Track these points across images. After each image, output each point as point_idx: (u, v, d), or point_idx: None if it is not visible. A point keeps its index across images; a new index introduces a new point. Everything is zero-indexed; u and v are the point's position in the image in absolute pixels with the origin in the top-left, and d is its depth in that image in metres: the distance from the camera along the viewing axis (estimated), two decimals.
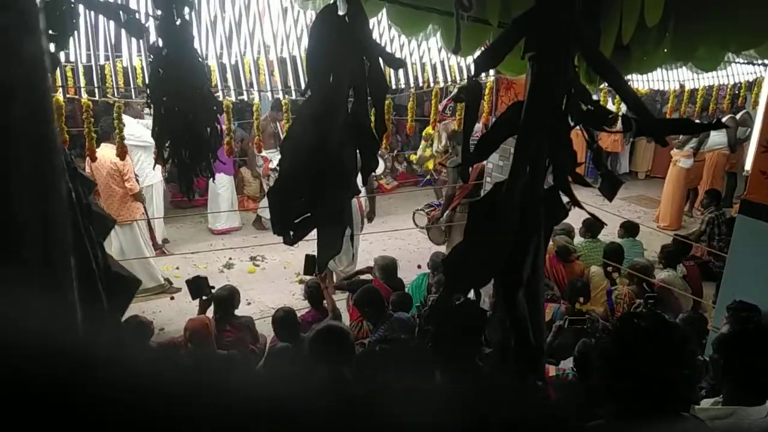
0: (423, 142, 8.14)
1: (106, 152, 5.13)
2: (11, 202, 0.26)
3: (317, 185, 1.29)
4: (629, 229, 6.47)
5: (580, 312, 4.75)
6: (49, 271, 0.28)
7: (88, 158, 4.41)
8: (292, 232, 1.30)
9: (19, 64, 0.27)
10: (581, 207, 1.05)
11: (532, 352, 1.10)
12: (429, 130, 7.75)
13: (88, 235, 0.76)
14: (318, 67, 1.24)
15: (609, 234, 6.86)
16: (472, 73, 1.06)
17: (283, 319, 4.19)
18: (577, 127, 1.19)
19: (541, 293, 1.13)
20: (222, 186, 7.32)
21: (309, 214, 1.31)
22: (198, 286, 4.22)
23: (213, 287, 4.31)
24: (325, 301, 4.84)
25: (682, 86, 6.30)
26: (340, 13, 1.25)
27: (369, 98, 1.30)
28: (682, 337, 1.55)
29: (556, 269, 5.72)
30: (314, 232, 1.38)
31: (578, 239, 6.24)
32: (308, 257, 4.58)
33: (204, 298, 4.28)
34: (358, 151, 1.34)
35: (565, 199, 1.15)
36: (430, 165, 7.91)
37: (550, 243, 6.00)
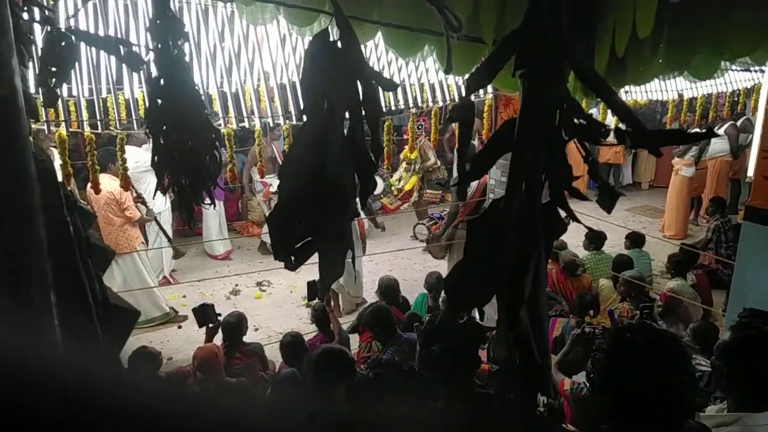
0: (404, 164, 7.94)
1: (103, 182, 5.11)
2: None
3: (317, 209, 1.29)
4: (635, 240, 6.45)
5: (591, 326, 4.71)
6: (27, 309, 0.28)
7: (90, 189, 4.43)
8: (293, 257, 1.30)
9: None
10: (578, 221, 1.05)
11: (537, 370, 1.09)
12: (407, 153, 7.68)
13: (85, 267, 0.77)
14: (313, 92, 1.25)
15: (615, 246, 6.84)
16: (464, 92, 1.07)
17: (290, 344, 4.17)
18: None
19: (543, 310, 1.13)
20: (211, 212, 7.35)
21: (310, 239, 1.31)
22: (204, 314, 4.22)
23: (220, 314, 4.30)
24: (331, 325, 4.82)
25: (680, 95, 6.32)
26: (333, 38, 1.27)
27: (365, 121, 1.31)
28: (676, 344, 1.54)
29: (564, 284, 5.70)
30: (316, 256, 1.38)
31: (583, 252, 6.22)
32: (310, 284, 4.57)
33: (211, 325, 4.27)
34: (356, 173, 1.34)
35: (565, 213, 1.15)
36: (413, 182, 7.88)
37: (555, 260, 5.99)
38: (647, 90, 6.05)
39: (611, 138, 1.10)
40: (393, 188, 7.89)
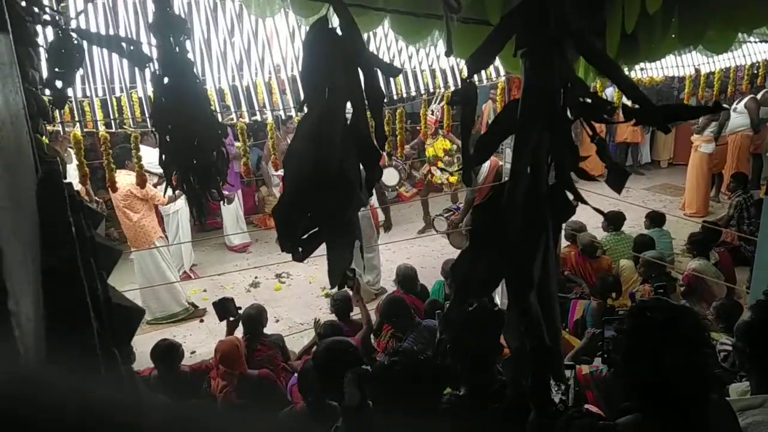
0: (440, 162, 7.69)
1: (121, 179, 5.15)
2: None
3: (322, 199, 1.28)
4: (655, 219, 6.35)
5: (612, 309, 4.67)
6: None
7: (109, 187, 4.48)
8: (300, 248, 1.30)
9: None
10: (585, 203, 1.03)
11: (548, 354, 1.07)
12: (447, 144, 7.43)
13: (87, 267, 0.77)
14: (313, 81, 1.24)
15: (635, 226, 6.75)
16: (465, 74, 1.05)
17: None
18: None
19: (554, 294, 1.11)
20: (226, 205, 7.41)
21: (316, 229, 1.31)
22: (224, 307, 4.25)
23: (239, 308, 4.33)
24: (352, 313, 4.83)
25: (697, 71, 6.19)
26: (332, 25, 1.25)
27: (367, 108, 1.29)
28: (692, 318, 1.53)
29: (583, 266, 5.65)
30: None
31: (602, 234, 6.15)
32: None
33: (231, 319, 4.30)
34: (360, 162, 1.33)
35: (573, 195, 1.13)
36: (454, 179, 7.65)
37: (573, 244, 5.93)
38: (663, 66, 5.93)
39: (620, 116, 1.07)
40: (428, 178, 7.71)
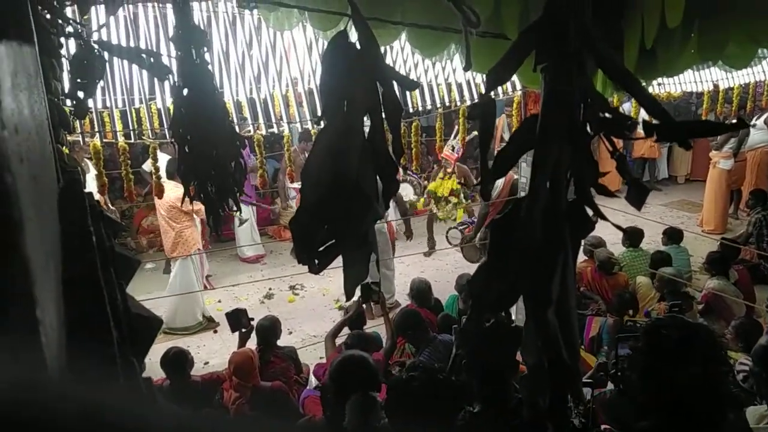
0: (454, 198, 7.50)
1: (169, 190, 5.24)
2: None
3: (339, 212, 1.28)
4: (672, 235, 6.28)
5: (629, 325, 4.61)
6: (5, 329, 0.27)
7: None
8: (316, 261, 1.29)
9: None
10: (605, 218, 1.02)
11: (566, 372, 1.05)
12: (454, 185, 7.20)
13: (106, 276, 0.77)
14: (332, 94, 1.24)
15: (652, 242, 6.68)
16: (484, 89, 1.05)
17: (357, 343, 4.09)
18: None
19: (572, 311, 1.09)
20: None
21: (332, 242, 1.30)
22: (237, 319, 4.25)
23: (252, 319, 4.32)
24: (365, 327, 4.80)
25: (716, 86, 6.14)
26: (351, 40, 1.26)
27: (385, 122, 1.30)
28: (708, 335, 1.51)
29: (599, 283, 5.59)
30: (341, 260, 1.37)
31: (619, 250, 6.09)
32: (363, 286, 4.49)
33: (243, 330, 4.30)
34: (377, 175, 1.33)
35: (593, 211, 1.12)
36: (460, 215, 7.45)
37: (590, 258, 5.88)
38: (681, 82, 5.89)
39: (639, 132, 1.06)
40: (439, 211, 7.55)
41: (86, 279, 0.72)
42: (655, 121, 1.02)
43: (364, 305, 4.55)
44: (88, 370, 0.51)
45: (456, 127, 5.94)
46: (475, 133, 6.35)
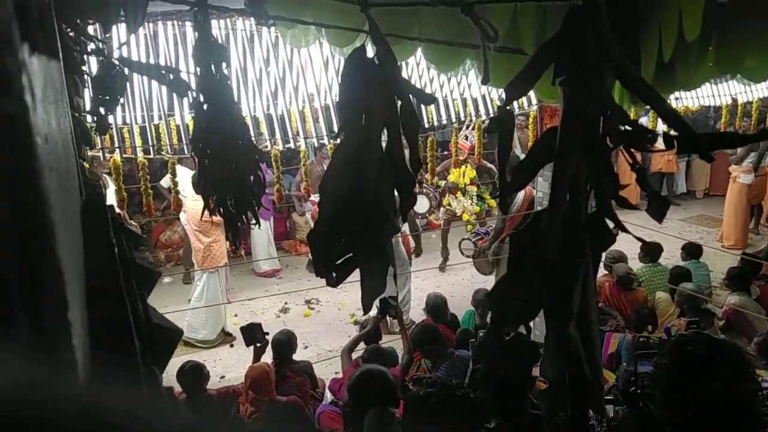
0: (472, 187, 7.27)
1: (197, 205, 5.32)
2: None
3: (356, 225, 1.29)
4: (692, 250, 6.19)
5: (647, 342, 4.54)
6: (40, 330, 0.28)
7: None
8: (334, 274, 1.30)
9: None
10: (627, 231, 1.01)
11: (589, 389, 1.04)
12: (471, 173, 7.29)
13: (129, 288, 0.78)
14: (350, 108, 1.25)
15: (671, 257, 6.60)
16: (503, 102, 1.05)
17: (376, 358, 4.05)
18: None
19: (594, 325, 1.08)
20: (258, 230, 7.55)
21: (350, 255, 1.31)
22: (252, 333, 4.24)
23: (267, 333, 4.32)
24: (381, 341, 4.77)
25: (734, 100, 6.09)
26: (369, 55, 1.27)
27: (403, 136, 1.30)
28: (736, 352, 1.48)
29: (618, 298, 5.52)
30: (357, 273, 1.37)
31: (638, 265, 6.02)
32: (382, 300, 4.46)
33: (258, 345, 4.29)
34: (395, 189, 1.33)
35: (612, 224, 1.11)
36: (478, 208, 7.47)
37: (609, 273, 5.81)
38: (699, 95, 5.85)
39: (659, 144, 1.05)
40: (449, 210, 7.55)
41: (109, 289, 0.72)
42: (674, 133, 1.02)
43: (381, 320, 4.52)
44: (112, 378, 0.52)
45: (472, 118, 5.95)
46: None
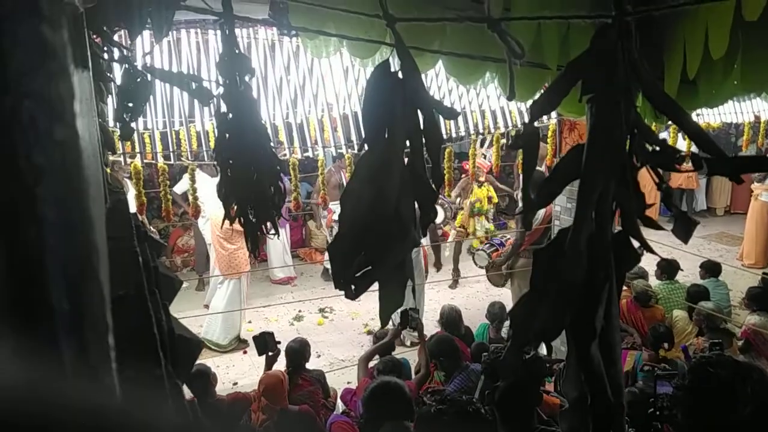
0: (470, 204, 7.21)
1: (221, 213, 5.36)
2: (42, 289, 0.26)
3: (377, 238, 1.28)
4: (710, 268, 6.11)
5: (665, 360, 4.48)
6: (84, 357, 0.28)
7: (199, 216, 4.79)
8: (353, 286, 1.29)
9: (46, 152, 0.28)
10: (653, 252, 1.00)
11: (610, 409, 1.03)
12: (492, 192, 7.21)
13: (152, 297, 0.78)
14: (374, 122, 1.25)
15: (689, 275, 6.51)
16: (528, 119, 1.05)
17: (391, 370, 4.02)
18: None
19: (617, 346, 1.06)
20: (275, 239, 7.64)
21: (369, 268, 1.30)
22: (264, 342, 4.24)
23: (279, 342, 4.32)
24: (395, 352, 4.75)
25: (757, 117, 6.01)
26: (393, 68, 1.27)
27: (425, 149, 1.30)
28: (759, 374, 1.45)
29: (635, 315, 5.45)
30: (376, 285, 1.37)
31: (655, 282, 5.95)
32: (403, 312, 4.41)
33: (270, 354, 4.29)
34: (416, 202, 1.33)
35: (636, 243, 1.10)
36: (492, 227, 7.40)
37: (627, 288, 5.74)
38: (721, 112, 5.79)
39: (687, 164, 1.04)
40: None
41: (134, 299, 0.73)
42: (703, 154, 1.00)
43: (422, 334, 4.44)
44: (137, 391, 0.52)
45: (487, 137, 5.94)
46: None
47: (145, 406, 0.38)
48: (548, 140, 5.63)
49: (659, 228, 1.03)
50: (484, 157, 6.45)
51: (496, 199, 7.27)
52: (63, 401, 0.22)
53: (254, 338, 4.37)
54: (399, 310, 5.28)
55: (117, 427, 0.26)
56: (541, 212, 5.88)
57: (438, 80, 5.11)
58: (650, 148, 1.00)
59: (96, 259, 0.31)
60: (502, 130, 5.56)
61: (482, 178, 6.77)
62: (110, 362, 0.32)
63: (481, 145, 6.38)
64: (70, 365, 0.26)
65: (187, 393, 4.01)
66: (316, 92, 5.03)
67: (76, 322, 0.27)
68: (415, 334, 4.55)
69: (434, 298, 6.94)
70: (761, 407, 1.38)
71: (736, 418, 1.36)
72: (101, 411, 0.25)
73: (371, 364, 4.30)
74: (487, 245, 6.71)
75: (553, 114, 5.33)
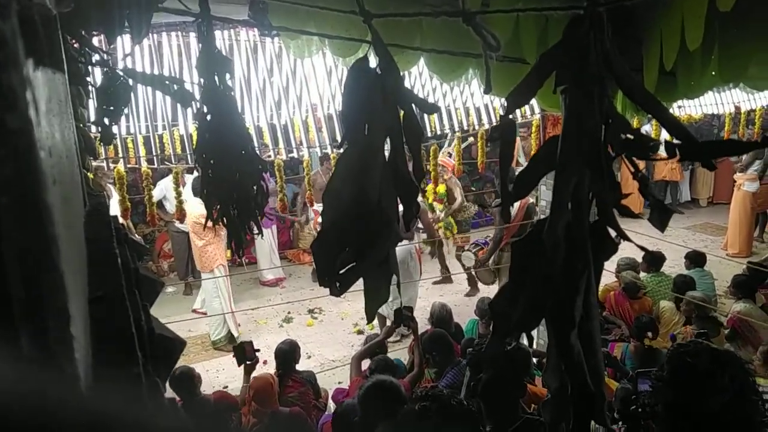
0: (438, 204, 7.18)
1: (194, 207, 5.56)
2: None
3: (360, 235, 1.29)
4: (695, 259, 6.17)
5: (651, 350, 4.51)
6: (42, 343, 0.28)
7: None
8: (337, 283, 1.30)
9: None
10: (629, 240, 1.01)
11: (591, 399, 1.04)
12: (441, 189, 7.03)
13: (132, 298, 0.78)
14: (353, 119, 1.26)
15: (674, 266, 6.58)
16: (504, 111, 1.05)
17: (383, 368, 4.00)
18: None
19: (596, 334, 1.08)
20: (262, 240, 7.68)
21: (353, 264, 1.31)
22: (242, 351, 4.22)
23: (258, 350, 4.29)
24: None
25: (737, 108, 6.09)
26: (372, 65, 1.28)
27: (406, 145, 1.31)
28: (737, 362, 1.47)
29: (623, 307, 5.50)
30: (361, 284, 1.37)
31: (642, 275, 6.00)
32: (397, 311, 4.41)
33: (248, 363, 4.26)
34: (399, 198, 1.33)
35: (614, 233, 1.11)
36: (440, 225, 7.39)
37: (616, 280, 5.79)
38: (702, 104, 5.86)
39: (662, 152, 1.05)
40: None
41: (112, 300, 0.73)
42: (677, 142, 1.02)
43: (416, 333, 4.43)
44: (114, 389, 0.52)
45: (450, 134, 5.98)
46: (471, 139, 6.34)
47: (115, 398, 0.38)
48: (532, 135, 5.67)
49: (636, 216, 1.04)
50: (449, 155, 6.46)
51: (443, 193, 7.19)
52: (18, 385, 0.22)
53: (234, 348, 4.35)
54: (393, 309, 5.28)
55: (77, 414, 0.27)
56: (516, 205, 5.92)
57: (422, 78, 5.12)
58: (625, 137, 1.02)
59: (56, 251, 0.31)
60: (487, 126, 5.59)
61: (447, 176, 6.77)
62: (72, 351, 0.32)
63: (448, 145, 6.41)
64: (27, 350, 0.26)
65: (173, 394, 4.00)
66: (299, 93, 5.03)
67: (34, 310, 0.27)
68: (404, 329, 4.54)
69: (423, 295, 6.95)
70: (739, 394, 1.39)
71: (715, 405, 1.37)
72: (60, 397, 0.25)
73: (364, 365, 4.30)
74: (472, 245, 6.74)
75: (537, 109, 5.37)
